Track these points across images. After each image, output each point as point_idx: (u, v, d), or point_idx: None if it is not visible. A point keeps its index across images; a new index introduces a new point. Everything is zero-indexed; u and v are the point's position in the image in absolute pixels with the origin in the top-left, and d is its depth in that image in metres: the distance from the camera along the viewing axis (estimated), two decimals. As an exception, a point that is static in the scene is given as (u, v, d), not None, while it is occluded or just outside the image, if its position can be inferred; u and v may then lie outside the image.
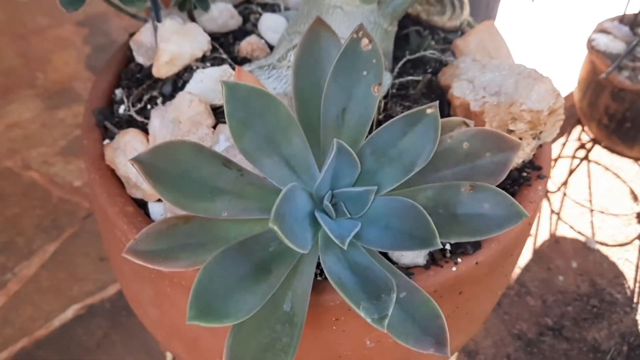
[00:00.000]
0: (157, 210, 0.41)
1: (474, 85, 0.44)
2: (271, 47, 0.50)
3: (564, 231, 1.42)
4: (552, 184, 1.51)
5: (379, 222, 0.31)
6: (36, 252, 1.22)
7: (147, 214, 0.41)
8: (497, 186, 0.44)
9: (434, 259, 0.39)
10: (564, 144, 1.42)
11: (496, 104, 0.42)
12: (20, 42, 1.75)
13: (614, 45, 1.21)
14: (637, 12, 1.25)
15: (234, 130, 0.29)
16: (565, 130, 1.51)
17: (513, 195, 0.44)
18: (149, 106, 0.45)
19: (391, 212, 0.31)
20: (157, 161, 0.30)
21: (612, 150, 1.28)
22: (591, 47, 1.21)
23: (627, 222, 1.45)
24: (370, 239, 0.31)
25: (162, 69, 0.44)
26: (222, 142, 0.38)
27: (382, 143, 0.31)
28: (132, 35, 0.51)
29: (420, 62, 0.49)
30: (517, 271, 1.34)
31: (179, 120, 0.39)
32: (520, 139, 0.44)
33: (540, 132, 0.44)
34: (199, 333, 0.41)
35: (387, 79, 0.44)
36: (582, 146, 1.46)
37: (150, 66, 0.48)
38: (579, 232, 1.42)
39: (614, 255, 1.38)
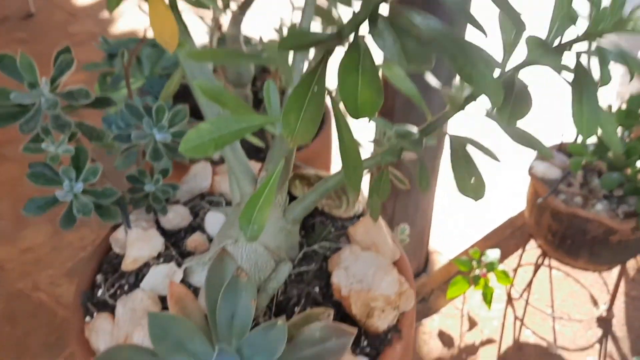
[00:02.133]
0: (119, 373, 0.60)
1: (347, 273, 0.64)
2: (212, 240, 0.71)
3: (527, 337, 1.56)
4: (515, 291, 1.67)
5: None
6: (41, 370, 1.39)
7: (112, 376, 0.60)
8: (369, 345, 0.62)
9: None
10: (521, 255, 1.59)
11: (359, 289, 0.61)
12: (37, 170, 2.00)
13: (551, 171, 1.41)
14: (571, 141, 1.45)
15: (154, 341, 0.49)
16: (524, 240, 1.68)
17: (379, 353, 0.62)
18: (118, 292, 0.65)
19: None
20: (109, 357, 0.49)
21: (561, 262, 1.44)
22: (532, 174, 1.41)
23: (587, 326, 1.59)
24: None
25: (129, 266, 0.65)
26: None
27: (254, 340, 0.51)
28: (113, 229, 0.72)
29: (319, 249, 0.69)
30: (481, 378, 1.47)
31: (134, 309, 0.59)
32: (383, 310, 0.63)
33: (398, 306, 0.63)
34: None
35: (287, 270, 0.64)
36: (544, 253, 1.62)
37: (124, 255, 0.69)
38: (542, 338, 1.55)
39: (575, 359, 1.51)
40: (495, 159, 0.56)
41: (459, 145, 0.52)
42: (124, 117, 0.67)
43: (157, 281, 0.62)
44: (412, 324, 0.66)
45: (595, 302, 1.64)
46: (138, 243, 0.66)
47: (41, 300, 1.55)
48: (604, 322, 1.58)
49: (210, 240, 0.70)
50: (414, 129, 0.54)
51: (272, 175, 0.55)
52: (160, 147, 0.66)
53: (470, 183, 0.51)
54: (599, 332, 1.56)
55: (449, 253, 1.66)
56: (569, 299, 1.65)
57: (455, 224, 1.79)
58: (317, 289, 0.65)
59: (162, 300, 0.62)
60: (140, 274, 0.66)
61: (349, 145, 0.45)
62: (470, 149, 0.56)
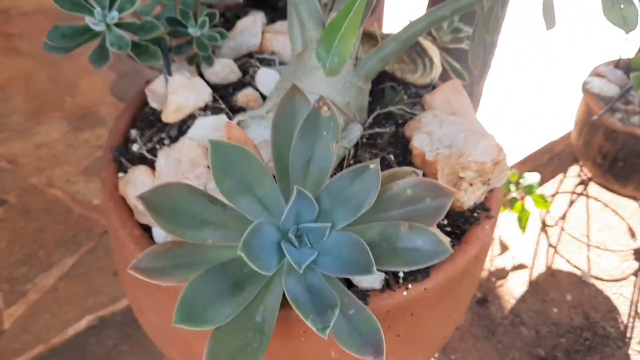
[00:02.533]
0: (159, 234, 0.50)
1: (432, 137, 0.52)
2: (264, 97, 0.59)
3: (560, 265, 1.48)
4: (550, 218, 1.57)
5: (332, 252, 0.40)
6: (55, 265, 1.32)
7: (151, 237, 0.50)
8: (450, 224, 0.52)
9: (388, 284, 0.47)
10: (561, 181, 1.48)
11: (448, 155, 0.50)
12: (52, 67, 1.89)
13: (608, 88, 1.29)
14: (632, 57, 1.32)
15: (216, 176, 0.38)
16: (563, 167, 1.57)
17: (464, 231, 0.52)
18: (157, 146, 0.54)
19: (342, 244, 0.39)
20: (157, 198, 0.39)
21: (607, 188, 1.34)
22: (586, 90, 1.28)
23: (623, 258, 1.50)
24: (326, 266, 0.40)
25: (170, 116, 0.54)
26: (213, 182, 0.47)
27: (336, 189, 0.40)
28: (147, 82, 0.61)
29: (391, 115, 0.58)
30: (512, 302, 1.39)
31: (180, 160, 0.49)
32: (471, 184, 0.52)
33: (489, 179, 0.52)
34: (191, 339, 0.50)
35: (358, 130, 0.52)
36: (582, 182, 1.52)
37: (162, 111, 0.58)
38: (575, 266, 1.47)
39: (608, 290, 1.43)
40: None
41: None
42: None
43: (206, 132, 0.51)
44: (500, 204, 0.55)
45: (632, 235, 1.54)
46: (182, 91, 0.54)
47: (56, 196, 1.46)
48: (641, 255, 1.49)
49: (264, 97, 0.59)
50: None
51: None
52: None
53: (620, 8, 0.39)
54: (635, 264, 1.47)
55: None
56: (605, 229, 1.56)
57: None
58: (392, 156, 0.54)
59: (212, 154, 0.51)
60: (184, 126, 0.55)
61: None
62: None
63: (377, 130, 0.54)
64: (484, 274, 1.44)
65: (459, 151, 0.50)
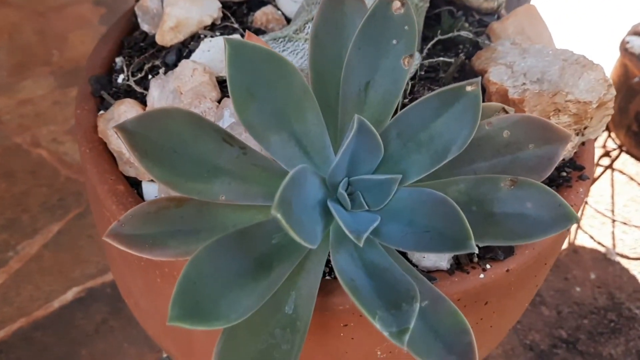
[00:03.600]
0: (151, 191, 0.36)
1: (513, 70, 0.38)
2: (288, 20, 0.45)
3: (583, 241, 1.37)
4: (573, 191, 1.45)
5: (402, 217, 0.26)
6: (40, 231, 1.19)
7: (140, 194, 0.37)
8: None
9: (459, 264, 0.34)
10: (588, 151, 1.35)
11: (538, 92, 0.37)
12: (39, 19, 1.72)
13: (649, 48, 1.15)
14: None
15: (237, 99, 0.24)
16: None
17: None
18: (149, 76, 0.40)
19: (417, 206, 0.26)
20: (147, 131, 0.25)
21: (638, 159, 1.22)
22: (625, 50, 1.15)
23: (650, 235, 1.38)
24: (391, 237, 0.26)
25: (167, 36, 0.39)
26: (227, 118, 0.33)
27: (411, 125, 0.26)
28: (138, 0, 0.46)
29: (452, 44, 0.44)
30: (532, 279, 1.28)
31: (180, 91, 0.35)
32: (563, 133, 0.38)
33: (585, 128, 0.39)
34: (192, 333, 0.36)
35: (417, 58, 0.38)
36: (607, 154, 1.39)
37: (155, 34, 0.43)
38: (599, 243, 1.36)
39: (634, 268, 1.33)
40: None
41: None
42: None
43: (214, 57, 0.37)
44: (594, 162, 0.42)
45: (660, 210, 1.43)
46: (182, 2, 0.40)
47: (42, 157, 1.32)
48: (669, 232, 1.37)
49: (288, 20, 0.45)
50: None
51: None
52: None
53: None
54: (661, 241, 1.36)
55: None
56: (631, 204, 1.44)
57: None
58: (458, 96, 0.40)
59: (221, 84, 0.37)
60: (184, 50, 0.40)
61: None
62: None
63: (440, 59, 0.40)
64: (503, 249, 1.33)
65: (554, 87, 0.36)
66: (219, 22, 0.42)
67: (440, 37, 0.42)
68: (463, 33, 0.41)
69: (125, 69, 0.42)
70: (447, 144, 0.26)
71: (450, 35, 0.41)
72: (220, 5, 0.42)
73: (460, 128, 0.25)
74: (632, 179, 1.53)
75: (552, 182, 0.40)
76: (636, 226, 1.42)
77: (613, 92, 0.37)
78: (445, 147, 0.26)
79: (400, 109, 0.37)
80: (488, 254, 0.34)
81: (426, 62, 0.40)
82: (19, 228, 1.21)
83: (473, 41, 0.44)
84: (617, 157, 1.39)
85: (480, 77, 0.26)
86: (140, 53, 0.43)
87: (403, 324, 0.22)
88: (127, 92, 0.40)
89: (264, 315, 0.27)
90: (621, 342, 1.21)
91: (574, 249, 1.36)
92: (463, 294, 0.33)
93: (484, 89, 0.40)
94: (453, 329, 0.26)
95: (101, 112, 0.39)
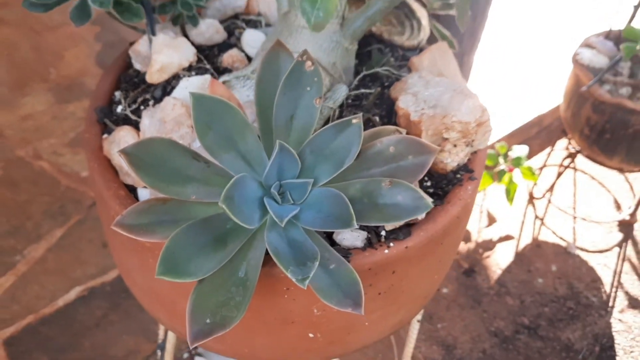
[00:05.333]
0: (144, 194, 0.50)
1: (417, 98, 0.52)
2: (250, 59, 0.59)
3: (546, 236, 1.50)
4: (537, 190, 1.58)
5: (314, 207, 0.40)
6: (44, 236, 1.32)
7: (136, 197, 0.50)
8: (433, 186, 0.53)
9: (371, 243, 0.48)
10: (549, 154, 1.49)
11: (432, 115, 0.51)
12: (36, 37, 1.85)
13: (597, 59, 1.29)
14: (622, 28, 1.31)
15: (199, 131, 0.38)
16: (551, 140, 1.58)
17: (446, 192, 0.52)
18: (142, 107, 0.54)
19: (324, 200, 0.40)
20: (140, 153, 0.39)
21: (594, 160, 1.35)
22: (576, 61, 1.28)
23: (608, 230, 1.52)
24: (307, 221, 0.40)
25: (154, 76, 0.53)
26: (197, 141, 0.47)
27: (319, 144, 0.40)
28: (131, 44, 0.60)
29: (377, 77, 0.58)
30: (497, 272, 1.42)
31: (164, 120, 0.48)
32: (455, 145, 0.52)
33: (473, 140, 0.53)
34: (175, 297, 0.50)
35: (344, 90, 0.52)
36: (570, 155, 1.53)
37: (146, 72, 0.57)
38: (561, 238, 1.49)
39: (593, 260, 1.45)
40: None
41: None
42: None
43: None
44: (483, 166, 0.56)
45: (618, 207, 1.57)
46: (166, 50, 0.53)
47: (43, 168, 1.45)
48: (626, 227, 1.51)
49: (249, 59, 0.59)
50: None
51: (347, -55, 0.42)
52: None
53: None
54: (619, 236, 1.50)
55: (474, 147, 1.56)
56: (592, 202, 1.58)
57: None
58: (377, 117, 0.54)
59: (196, 114, 0.51)
60: (168, 86, 0.54)
61: None
62: None
63: (362, 91, 0.54)
64: (471, 245, 1.46)
65: (444, 111, 0.50)
66: (195, 64, 0.56)
67: (365, 72, 0.55)
68: (383, 69, 0.55)
69: (122, 101, 0.55)
70: (342, 157, 0.40)
71: (372, 70, 0.55)
72: (195, 51, 0.56)
73: (350, 146, 0.39)
74: (593, 178, 1.67)
75: (449, 182, 0.53)
76: (596, 222, 1.55)
77: (488, 114, 0.51)
78: (341, 159, 0.40)
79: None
80: (392, 236, 0.48)
81: (353, 92, 0.54)
82: (24, 234, 1.34)
83: (394, 74, 0.58)
84: (574, 158, 1.52)
85: (361, 114, 0.40)
86: (134, 88, 0.57)
87: (305, 274, 0.36)
88: (124, 120, 0.54)
89: (223, 277, 0.41)
90: (578, 327, 1.34)
91: (537, 244, 1.49)
92: (373, 265, 0.47)
93: (396, 112, 0.54)
94: (349, 282, 0.39)
95: (105, 135, 0.53)
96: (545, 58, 1.88)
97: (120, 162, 0.49)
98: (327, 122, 0.52)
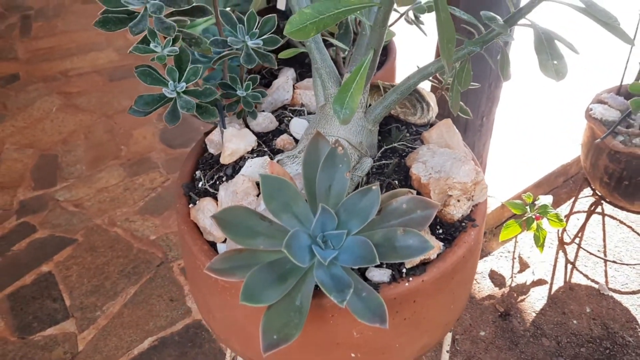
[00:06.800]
0: (222, 248, 0.67)
1: (426, 166, 0.69)
2: (297, 141, 0.77)
3: (578, 279, 1.58)
4: (567, 236, 1.68)
5: (348, 250, 0.56)
6: (120, 294, 1.51)
7: (216, 250, 0.67)
8: (444, 233, 0.68)
9: (394, 279, 0.63)
10: (574, 201, 1.60)
11: (438, 178, 0.66)
12: (108, 121, 2.13)
13: (609, 113, 1.42)
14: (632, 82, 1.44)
15: (266, 200, 0.55)
16: (578, 188, 1.69)
17: (454, 238, 0.67)
18: (217, 182, 0.72)
19: (355, 245, 0.56)
20: (225, 216, 0.56)
21: (616, 206, 1.45)
22: (589, 116, 1.42)
23: (639, 271, 1.59)
24: (344, 260, 0.56)
25: (226, 159, 0.72)
26: (262, 205, 0.64)
27: (349, 205, 0.57)
28: (207, 134, 0.79)
29: (396, 150, 0.75)
30: (533, 315, 1.50)
31: (236, 192, 0.66)
32: (458, 200, 0.68)
33: (472, 196, 0.68)
34: (246, 324, 0.66)
35: (369, 163, 0.69)
36: (596, 202, 1.63)
37: (219, 155, 0.76)
38: (593, 280, 1.57)
39: (626, 301, 1.52)
40: (575, 51, 0.59)
41: (542, 31, 0.56)
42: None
43: (254, 170, 0.69)
44: (484, 216, 0.70)
45: (648, 249, 1.64)
46: (234, 139, 0.72)
47: (118, 234, 1.67)
48: (657, 268, 1.58)
49: (296, 141, 0.77)
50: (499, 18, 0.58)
51: (363, 63, 0.60)
52: (252, 52, 0.72)
53: (553, 63, 0.55)
54: (651, 276, 1.56)
55: (502, 197, 1.69)
56: (621, 244, 1.66)
57: (508, 169, 1.81)
58: (396, 182, 0.70)
59: (259, 187, 0.69)
60: (236, 166, 0.73)
61: (445, 21, 0.50)
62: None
63: (384, 162, 0.70)
64: (505, 290, 1.56)
65: (446, 175, 0.66)
66: (255, 147, 0.74)
67: (385, 146, 0.72)
68: (399, 145, 0.72)
69: (202, 178, 0.74)
70: (367, 213, 0.56)
71: (392, 145, 0.72)
72: (255, 138, 0.74)
73: (372, 205, 0.55)
74: (622, 222, 1.75)
75: (456, 229, 0.68)
76: (626, 264, 1.63)
77: (482, 175, 0.67)
78: (367, 215, 0.56)
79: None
80: (411, 272, 0.63)
81: (376, 163, 0.71)
82: (103, 292, 1.53)
83: (409, 147, 0.74)
84: (601, 204, 1.61)
85: (381, 181, 0.56)
86: (210, 168, 0.76)
87: (343, 297, 0.51)
88: (205, 192, 0.72)
89: (285, 305, 0.57)
90: (616, 367, 1.39)
91: (570, 287, 1.58)
92: (397, 295, 0.62)
93: (410, 177, 0.70)
94: (377, 305, 0.55)
95: (191, 205, 0.71)
96: (563, 112, 2.00)
97: (204, 225, 0.67)
98: (357, 187, 0.69)
